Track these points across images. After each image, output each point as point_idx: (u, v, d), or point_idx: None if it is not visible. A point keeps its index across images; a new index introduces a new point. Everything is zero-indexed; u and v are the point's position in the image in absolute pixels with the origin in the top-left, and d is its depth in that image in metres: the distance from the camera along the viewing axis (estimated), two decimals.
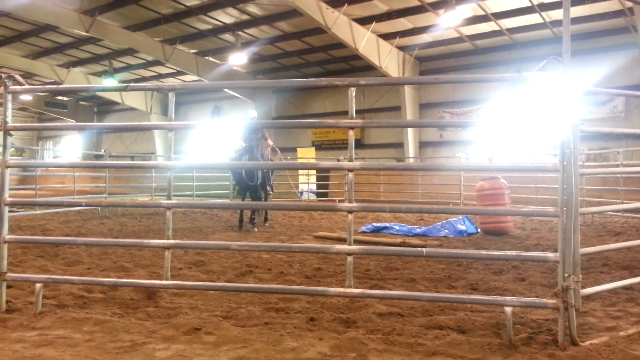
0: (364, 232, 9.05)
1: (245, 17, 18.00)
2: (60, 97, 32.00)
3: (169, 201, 3.86)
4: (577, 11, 15.13)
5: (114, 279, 4.38)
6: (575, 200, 3.10)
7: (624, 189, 10.54)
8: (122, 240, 6.39)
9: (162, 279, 3.85)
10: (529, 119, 10.48)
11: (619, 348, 2.92)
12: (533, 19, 16.68)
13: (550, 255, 3.27)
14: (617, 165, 11.38)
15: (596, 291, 3.48)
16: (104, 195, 12.95)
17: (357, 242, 7.05)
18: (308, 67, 23.52)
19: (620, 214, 10.70)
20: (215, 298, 4.13)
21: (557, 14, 15.86)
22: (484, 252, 5.01)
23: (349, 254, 3.56)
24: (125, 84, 5.56)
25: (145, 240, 4.77)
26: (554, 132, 3.22)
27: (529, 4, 15.54)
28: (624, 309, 3.87)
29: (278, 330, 3.34)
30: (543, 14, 16.15)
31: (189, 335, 3.24)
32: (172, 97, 3.86)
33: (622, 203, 9.62)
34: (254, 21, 18.28)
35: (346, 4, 16.11)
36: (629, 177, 10.96)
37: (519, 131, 16.96)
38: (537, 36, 17.89)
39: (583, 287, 3.25)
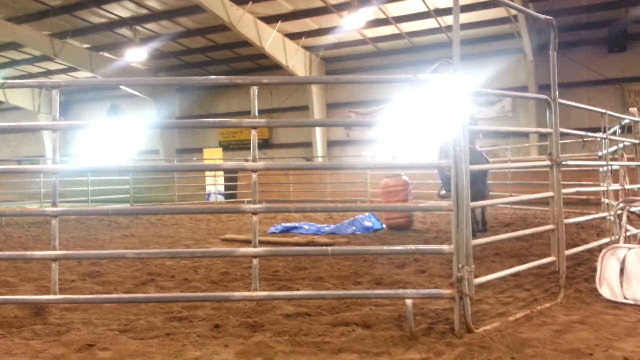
0: (273, 233, 9.00)
1: (143, 11, 17.17)
2: None
3: (55, 208, 3.53)
4: (468, 17, 16.17)
5: None
6: (465, 195, 3.28)
7: (512, 183, 11.47)
8: (3, 252, 5.77)
9: (50, 294, 3.52)
10: (426, 118, 11.02)
11: (509, 332, 3.14)
12: (430, 23, 17.62)
13: (445, 247, 3.42)
14: (506, 161, 12.37)
15: (488, 280, 3.70)
16: None
17: (265, 243, 7.01)
18: (213, 65, 22.97)
19: (509, 206, 11.62)
20: (112, 311, 3.86)
21: (451, 20, 16.77)
22: (386, 247, 5.17)
23: (254, 257, 3.49)
24: (2, 81, 5.04)
25: (29, 252, 4.34)
26: (447, 130, 3.38)
27: (426, 9, 16.38)
28: (513, 294, 4.18)
29: (180, 340, 3.18)
30: (439, 19, 17.12)
31: (81, 353, 2.98)
32: (56, 94, 3.56)
33: (511, 196, 10.45)
34: (154, 16, 17.50)
35: (251, 2, 15.96)
36: (516, 172, 11.92)
37: (418, 130, 17.85)
38: (434, 40, 18.91)
39: (476, 277, 3.44)
